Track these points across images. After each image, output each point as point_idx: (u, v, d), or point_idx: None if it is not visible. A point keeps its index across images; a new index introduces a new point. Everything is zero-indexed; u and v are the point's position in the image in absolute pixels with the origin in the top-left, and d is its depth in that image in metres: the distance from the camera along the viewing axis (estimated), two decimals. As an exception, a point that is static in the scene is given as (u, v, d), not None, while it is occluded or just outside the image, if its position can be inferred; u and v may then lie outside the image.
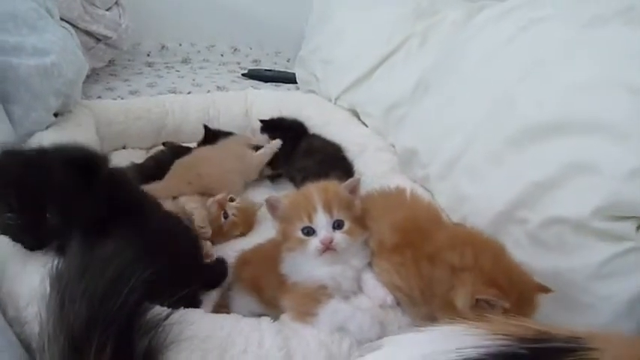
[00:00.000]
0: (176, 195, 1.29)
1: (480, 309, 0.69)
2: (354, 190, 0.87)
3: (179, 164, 1.40)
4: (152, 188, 1.28)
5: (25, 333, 0.71)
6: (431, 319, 0.74)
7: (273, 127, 1.65)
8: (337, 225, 0.81)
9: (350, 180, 0.88)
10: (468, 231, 0.87)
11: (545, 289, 0.75)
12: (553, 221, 0.85)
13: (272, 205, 0.85)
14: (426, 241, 0.81)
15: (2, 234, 0.76)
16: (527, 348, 0.37)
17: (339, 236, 0.80)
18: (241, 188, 1.47)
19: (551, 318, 0.86)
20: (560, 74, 0.92)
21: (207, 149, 1.52)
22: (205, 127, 1.66)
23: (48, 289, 0.62)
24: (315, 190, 0.84)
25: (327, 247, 0.79)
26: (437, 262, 0.76)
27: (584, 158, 0.83)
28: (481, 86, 1.08)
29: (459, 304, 0.70)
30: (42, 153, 0.79)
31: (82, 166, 0.76)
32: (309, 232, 0.80)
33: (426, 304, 0.78)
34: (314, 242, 0.79)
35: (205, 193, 1.32)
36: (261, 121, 1.67)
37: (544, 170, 0.87)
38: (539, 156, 0.89)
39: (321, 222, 0.80)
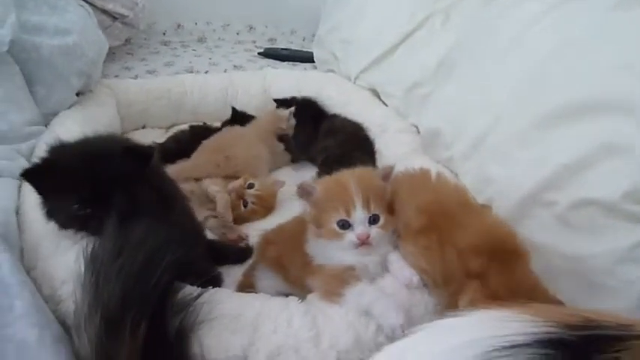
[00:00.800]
0: (203, 176, 1.29)
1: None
2: (386, 177, 0.86)
3: (207, 145, 1.39)
4: (179, 168, 1.29)
5: (61, 311, 0.72)
6: (453, 300, 0.75)
7: (287, 105, 1.64)
8: (373, 220, 0.80)
9: (384, 167, 0.87)
10: (495, 230, 0.83)
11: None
12: (583, 203, 0.83)
13: (305, 191, 0.83)
14: (453, 227, 0.80)
15: (66, 227, 0.77)
16: (575, 335, 0.36)
17: (374, 231, 0.80)
18: (267, 173, 1.47)
19: (574, 302, 0.85)
20: (591, 55, 0.90)
21: (237, 131, 1.50)
22: (233, 108, 1.66)
23: (83, 269, 0.63)
24: (353, 181, 0.81)
25: (363, 242, 0.79)
26: (459, 257, 0.76)
27: (615, 140, 0.81)
28: (509, 65, 1.06)
29: (461, 307, 0.71)
30: (91, 144, 0.80)
31: (139, 155, 0.78)
32: (345, 225, 0.79)
33: (446, 286, 0.78)
34: (350, 236, 0.79)
35: (231, 176, 1.31)
36: (276, 100, 1.67)
37: (574, 152, 0.85)
38: (569, 137, 0.88)
39: (359, 217, 0.79)
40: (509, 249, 0.78)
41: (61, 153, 0.78)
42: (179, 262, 0.66)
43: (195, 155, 1.36)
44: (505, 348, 0.37)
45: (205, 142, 1.41)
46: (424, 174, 0.98)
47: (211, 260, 0.98)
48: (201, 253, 0.91)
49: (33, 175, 0.74)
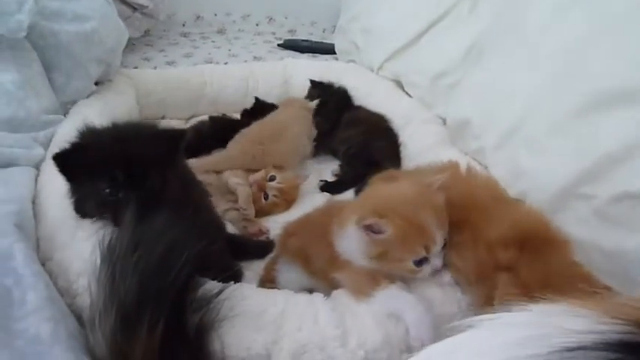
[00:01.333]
0: (236, 168, 1.26)
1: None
2: (440, 188, 0.80)
3: (246, 135, 1.36)
4: (212, 159, 1.27)
5: (77, 304, 0.69)
6: (488, 299, 0.70)
7: (322, 89, 1.61)
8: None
9: (438, 177, 0.79)
10: (527, 220, 0.79)
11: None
12: (624, 196, 0.79)
13: (374, 230, 0.72)
14: (485, 221, 0.76)
15: (95, 214, 0.75)
16: None
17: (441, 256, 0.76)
18: (297, 165, 1.44)
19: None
20: (627, 38, 0.85)
21: (278, 121, 1.44)
22: (256, 98, 1.63)
23: (99, 262, 0.60)
24: (430, 219, 0.73)
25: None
26: (489, 251, 0.72)
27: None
28: (543, 51, 1.00)
29: (496, 303, 0.66)
30: (121, 128, 0.78)
31: (172, 138, 0.77)
32: (423, 261, 0.73)
33: (479, 284, 0.74)
34: (426, 270, 0.74)
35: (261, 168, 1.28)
36: (312, 81, 1.63)
37: (613, 142, 0.80)
38: (608, 126, 0.82)
39: (437, 251, 0.74)
40: (543, 238, 0.73)
41: (91, 137, 0.75)
42: (199, 256, 0.63)
43: (231, 145, 1.32)
44: (568, 350, 0.32)
45: (244, 131, 1.36)
46: (453, 167, 0.93)
47: (231, 254, 0.94)
48: (222, 246, 0.87)
49: (63, 159, 0.72)
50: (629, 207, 0.78)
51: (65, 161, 0.72)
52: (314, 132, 1.49)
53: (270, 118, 1.47)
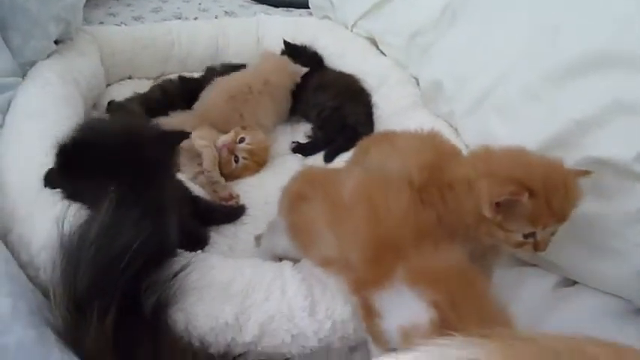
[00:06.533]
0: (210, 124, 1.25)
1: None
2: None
3: (222, 87, 1.34)
4: (181, 117, 1.25)
5: (40, 278, 0.68)
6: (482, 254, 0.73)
7: (295, 52, 1.56)
8: None
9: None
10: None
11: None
12: (591, 163, 0.79)
13: (511, 202, 0.66)
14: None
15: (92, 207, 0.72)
16: None
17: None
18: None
19: (581, 266, 0.84)
20: (606, 4, 0.84)
21: (254, 86, 1.38)
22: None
23: (58, 247, 0.60)
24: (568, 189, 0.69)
25: None
26: (455, 184, 0.72)
27: (630, 96, 0.75)
28: (518, 14, 0.99)
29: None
30: (123, 126, 0.78)
31: (171, 140, 0.79)
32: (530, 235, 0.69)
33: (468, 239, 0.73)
34: (528, 246, 0.70)
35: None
36: (286, 43, 1.58)
37: (585, 108, 0.80)
38: (581, 92, 0.82)
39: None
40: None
41: (94, 133, 0.75)
42: (153, 243, 0.63)
43: (209, 101, 1.31)
44: None
45: (220, 82, 1.35)
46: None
47: (199, 220, 0.94)
48: (187, 213, 0.86)
49: (64, 154, 0.70)
50: (596, 175, 0.79)
51: (65, 155, 0.70)
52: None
53: (249, 71, 1.44)
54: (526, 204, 0.65)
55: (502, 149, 0.76)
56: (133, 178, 0.68)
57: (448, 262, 0.62)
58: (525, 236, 0.69)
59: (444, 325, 0.54)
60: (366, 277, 0.63)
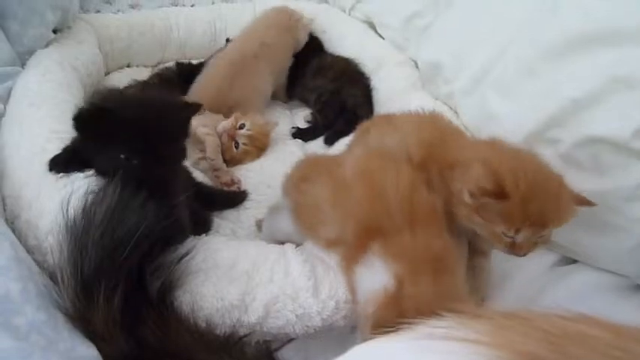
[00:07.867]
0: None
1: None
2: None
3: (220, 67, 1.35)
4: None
5: (48, 262, 0.68)
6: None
7: None
8: None
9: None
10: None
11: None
12: (589, 141, 0.80)
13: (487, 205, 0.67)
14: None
15: (105, 175, 0.73)
16: None
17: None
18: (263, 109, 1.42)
19: (581, 241, 0.85)
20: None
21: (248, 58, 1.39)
22: (227, 40, 1.58)
23: (64, 231, 0.61)
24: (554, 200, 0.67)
25: None
26: (456, 165, 0.72)
27: (628, 73, 0.76)
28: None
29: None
30: (142, 96, 0.83)
31: (185, 111, 0.78)
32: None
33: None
34: (508, 244, 0.68)
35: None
36: None
37: (583, 85, 0.81)
38: (579, 69, 0.82)
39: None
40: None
41: (113, 102, 0.74)
42: (159, 227, 0.64)
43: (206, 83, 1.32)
44: None
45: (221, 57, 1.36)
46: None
47: (202, 205, 0.94)
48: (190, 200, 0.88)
49: (83, 119, 0.70)
50: (594, 152, 0.80)
51: (84, 121, 0.71)
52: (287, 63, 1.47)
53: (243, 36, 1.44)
54: (496, 202, 0.65)
55: (511, 145, 0.76)
56: (149, 147, 0.69)
57: (429, 241, 0.62)
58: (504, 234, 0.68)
59: (401, 302, 0.56)
60: (350, 253, 0.64)
